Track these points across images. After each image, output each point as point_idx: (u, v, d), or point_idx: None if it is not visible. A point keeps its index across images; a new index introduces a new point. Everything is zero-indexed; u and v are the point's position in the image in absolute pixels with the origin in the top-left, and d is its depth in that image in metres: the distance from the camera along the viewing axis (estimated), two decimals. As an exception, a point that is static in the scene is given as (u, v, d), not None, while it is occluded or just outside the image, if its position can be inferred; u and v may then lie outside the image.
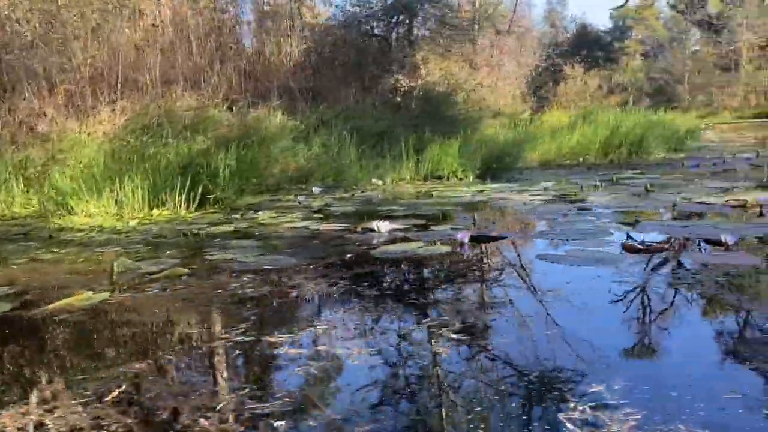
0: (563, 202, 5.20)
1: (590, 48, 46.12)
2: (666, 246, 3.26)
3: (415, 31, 13.39)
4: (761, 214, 4.08)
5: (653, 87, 37.09)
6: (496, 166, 8.04)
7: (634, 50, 47.28)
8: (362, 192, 6.49)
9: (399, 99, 11.12)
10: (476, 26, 21.72)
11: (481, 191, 6.19)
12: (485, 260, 3.18)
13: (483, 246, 3.46)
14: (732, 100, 30.84)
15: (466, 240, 3.48)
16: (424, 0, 13.21)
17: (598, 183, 6.30)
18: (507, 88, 21.85)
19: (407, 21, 13.29)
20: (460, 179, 7.44)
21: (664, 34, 45.05)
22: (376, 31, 13.27)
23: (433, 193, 6.18)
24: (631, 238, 3.39)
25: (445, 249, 3.35)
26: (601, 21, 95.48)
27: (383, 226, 3.90)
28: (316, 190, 6.48)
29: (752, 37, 30.40)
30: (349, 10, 12.87)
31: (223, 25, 10.22)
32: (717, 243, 3.20)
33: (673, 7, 43.60)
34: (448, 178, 7.48)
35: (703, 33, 36.56)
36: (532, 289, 2.57)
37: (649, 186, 5.69)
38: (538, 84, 48.32)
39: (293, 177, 6.93)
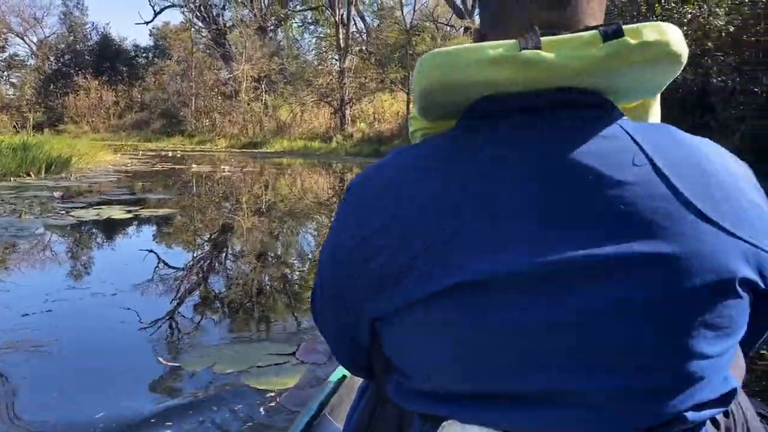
0: None
1: (113, 61, 42.52)
2: None
3: None
4: None
5: (164, 108, 35.67)
6: None
7: (172, 71, 45.60)
8: None
9: None
10: None
11: None
12: None
13: None
14: (233, 128, 31.26)
15: None
16: None
17: None
18: None
19: None
20: None
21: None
22: None
23: None
24: None
25: None
26: (142, 38, 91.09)
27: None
28: None
29: (250, 70, 31.40)
30: None
31: None
32: None
33: (199, 31, 43.46)
34: None
35: (215, 60, 36.88)
36: None
37: None
38: (48, 94, 41.52)
39: None
